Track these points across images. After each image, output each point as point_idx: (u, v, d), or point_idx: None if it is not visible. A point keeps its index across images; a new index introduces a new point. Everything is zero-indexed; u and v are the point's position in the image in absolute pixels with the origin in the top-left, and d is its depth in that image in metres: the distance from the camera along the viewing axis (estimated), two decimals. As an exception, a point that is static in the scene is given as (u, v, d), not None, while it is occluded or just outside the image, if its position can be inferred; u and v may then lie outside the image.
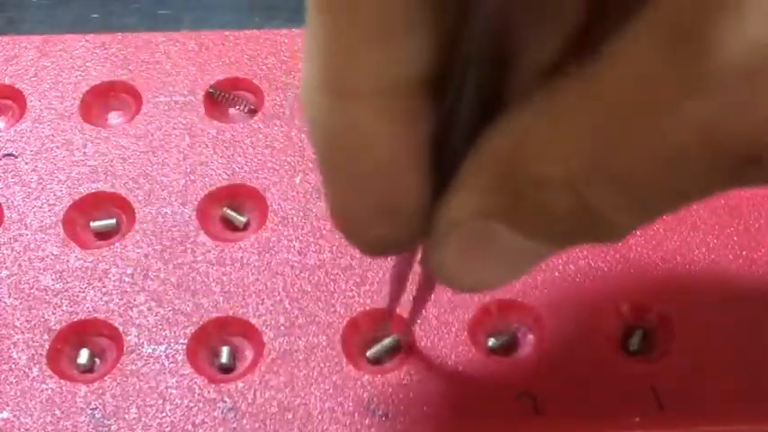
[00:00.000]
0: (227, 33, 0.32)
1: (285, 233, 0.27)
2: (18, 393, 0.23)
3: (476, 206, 0.15)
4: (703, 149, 0.12)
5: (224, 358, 0.25)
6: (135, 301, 0.25)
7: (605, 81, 0.13)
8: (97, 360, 0.25)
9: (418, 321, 0.24)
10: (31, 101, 0.30)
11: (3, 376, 0.24)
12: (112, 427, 0.23)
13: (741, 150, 0.12)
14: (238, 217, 0.27)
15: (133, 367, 0.24)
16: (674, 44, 0.12)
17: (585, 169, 0.13)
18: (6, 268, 0.26)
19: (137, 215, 0.27)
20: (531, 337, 0.25)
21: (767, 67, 0.12)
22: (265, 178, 0.28)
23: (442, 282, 0.17)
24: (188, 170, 0.28)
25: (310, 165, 0.28)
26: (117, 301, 0.25)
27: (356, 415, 0.23)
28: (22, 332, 0.25)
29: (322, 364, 0.24)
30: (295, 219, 0.27)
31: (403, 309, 0.23)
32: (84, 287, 0.26)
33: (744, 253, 0.26)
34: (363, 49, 0.13)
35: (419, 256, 0.20)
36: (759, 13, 0.12)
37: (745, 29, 0.12)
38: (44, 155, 0.29)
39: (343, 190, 0.16)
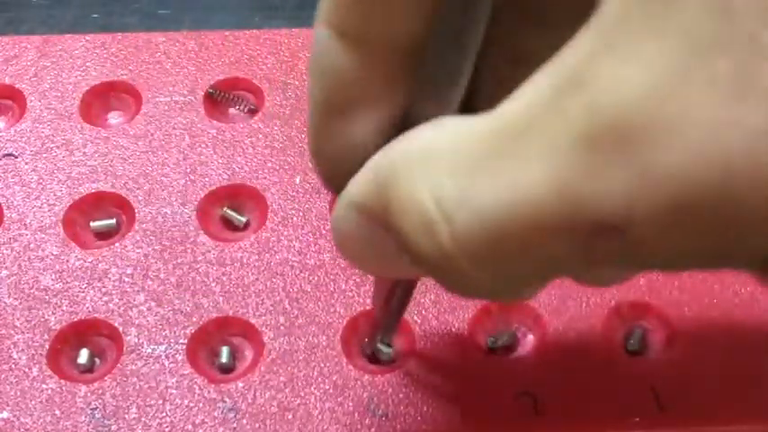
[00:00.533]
0: (227, 33, 0.32)
1: (285, 233, 0.27)
2: (18, 393, 0.23)
3: (361, 198, 0.15)
4: (559, 209, 0.12)
5: (224, 358, 0.25)
6: (135, 301, 0.25)
7: (498, 111, 0.13)
8: (97, 360, 0.25)
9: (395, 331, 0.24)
10: (31, 101, 0.30)
11: (3, 376, 0.24)
12: (112, 427, 0.23)
13: (592, 216, 0.12)
14: (238, 217, 0.27)
15: (133, 367, 0.24)
16: (556, 93, 0.12)
17: (451, 201, 0.13)
18: (6, 268, 0.26)
19: (137, 215, 0.27)
20: (531, 337, 0.25)
21: (607, 137, 0.11)
22: (265, 178, 0.28)
23: (339, 252, 0.17)
24: (188, 170, 0.28)
25: (310, 165, 0.28)
26: (117, 301, 0.25)
27: (356, 415, 0.23)
28: (22, 332, 0.25)
29: (322, 364, 0.24)
30: (295, 219, 0.27)
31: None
32: (84, 287, 0.26)
33: (744, 253, 0.26)
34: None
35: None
36: (603, 82, 0.11)
37: (589, 97, 0.11)
38: (44, 155, 0.29)
39: (318, 117, 0.17)
